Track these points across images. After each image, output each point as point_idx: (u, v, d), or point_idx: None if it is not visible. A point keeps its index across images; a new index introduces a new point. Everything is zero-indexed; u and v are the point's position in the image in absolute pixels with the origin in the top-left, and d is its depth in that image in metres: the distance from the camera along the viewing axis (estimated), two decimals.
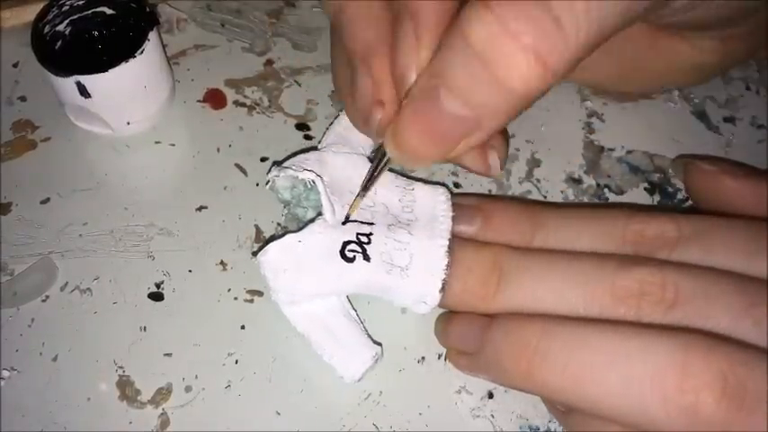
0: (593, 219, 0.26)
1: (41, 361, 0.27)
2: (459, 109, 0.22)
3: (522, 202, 0.30)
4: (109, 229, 0.30)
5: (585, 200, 0.31)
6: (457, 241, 0.26)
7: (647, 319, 0.23)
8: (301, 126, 0.33)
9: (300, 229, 0.26)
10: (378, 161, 0.26)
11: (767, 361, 0.20)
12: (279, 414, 0.26)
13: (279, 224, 0.30)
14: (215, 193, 0.31)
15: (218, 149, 0.33)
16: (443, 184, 0.29)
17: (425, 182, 0.29)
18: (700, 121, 0.34)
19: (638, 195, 0.32)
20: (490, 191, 0.32)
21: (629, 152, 0.33)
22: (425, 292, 0.25)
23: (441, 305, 0.26)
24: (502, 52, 0.20)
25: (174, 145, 0.33)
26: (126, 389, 0.26)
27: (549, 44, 0.20)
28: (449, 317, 0.26)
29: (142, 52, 0.30)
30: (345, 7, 0.26)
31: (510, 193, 0.32)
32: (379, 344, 0.27)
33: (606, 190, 0.32)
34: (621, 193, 0.32)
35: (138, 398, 0.26)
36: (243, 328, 0.28)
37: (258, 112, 0.34)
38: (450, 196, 0.28)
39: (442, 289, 0.25)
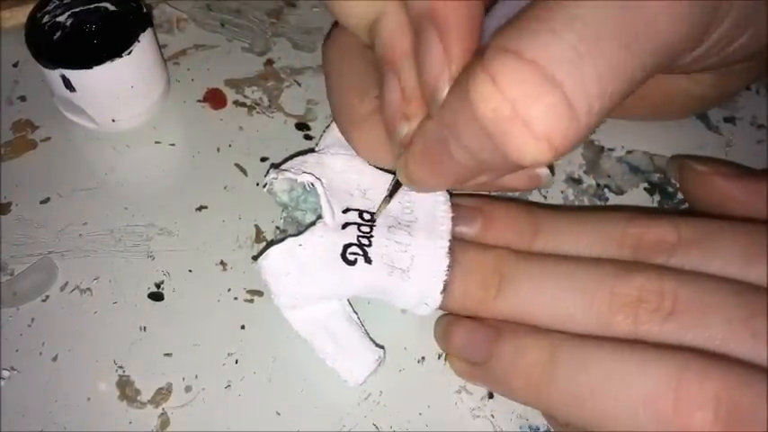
0: (593, 222, 0.26)
1: (41, 361, 0.27)
2: (466, 160, 0.22)
3: (522, 203, 0.30)
4: (109, 229, 0.30)
5: (585, 200, 0.31)
6: (458, 243, 0.26)
7: (644, 327, 0.23)
8: (301, 126, 0.33)
9: (300, 232, 0.26)
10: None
11: (765, 381, 0.20)
12: (279, 414, 0.26)
13: (278, 227, 0.30)
14: (215, 193, 0.31)
15: (218, 149, 0.33)
16: None
17: None
18: (700, 121, 0.34)
19: (638, 195, 0.32)
20: (490, 191, 0.32)
21: (629, 152, 0.33)
22: (427, 294, 0.25)
23: (441, 307, 0.26)
24: (513, 136, 0.19)
25: (173, 145, 0.33)
26: (126, 389, 0.26)
27: (562, 132, 0.19)
28: (449, 321, 0.26)
29: (130, 53, 0.30)
30: (387, 14, 0.24)
31: (509, 193, 0.32)
32: (382, 347, 0.27)
33: (606, 190, 0.32)
34: (621, 193, 0.32)
35: (138, 398, 0.26)
36: (243, 328, 0.28)
37: (258, 112, 0.34)
38: (449, 197, 0.27)
39: (443, 291, 0.25)
